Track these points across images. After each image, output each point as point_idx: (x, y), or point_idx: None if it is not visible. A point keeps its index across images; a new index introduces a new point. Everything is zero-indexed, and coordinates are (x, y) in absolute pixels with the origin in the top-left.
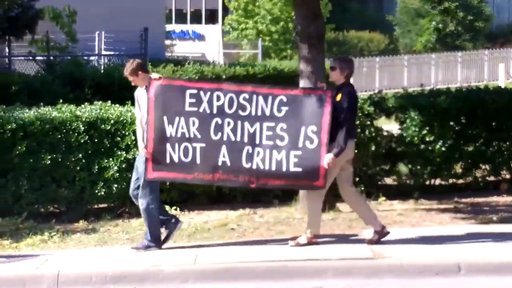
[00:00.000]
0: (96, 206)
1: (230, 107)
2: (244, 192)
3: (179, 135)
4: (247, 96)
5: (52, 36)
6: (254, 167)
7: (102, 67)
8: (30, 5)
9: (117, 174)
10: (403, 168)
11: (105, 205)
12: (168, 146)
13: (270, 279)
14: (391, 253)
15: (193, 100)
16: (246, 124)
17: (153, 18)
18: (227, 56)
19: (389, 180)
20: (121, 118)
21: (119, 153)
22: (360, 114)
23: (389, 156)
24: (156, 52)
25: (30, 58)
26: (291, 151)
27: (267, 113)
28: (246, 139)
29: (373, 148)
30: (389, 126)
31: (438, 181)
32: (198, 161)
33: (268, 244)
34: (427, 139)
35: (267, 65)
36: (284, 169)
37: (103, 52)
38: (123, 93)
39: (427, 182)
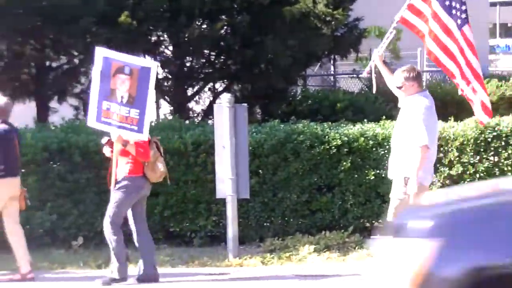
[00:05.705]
0: None
1: None
2: None
3: None
4: None
5: None
6: None
7: (424, 83)
8: (355, 25)
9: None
10: None
11: None
12: None
13: None
14: None
15: None
16: None
17: (477, 33)
18: None
19: None
20: (443, 134)
21: (442, 169)
22: None
23: None
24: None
25: (354, 75)
26: None
27: None
28: None
29: None
30: None
31: None
32: None
33: None
34: None
35: None
36: None
37: (425, 68)
38: (446, 109)
39: None
